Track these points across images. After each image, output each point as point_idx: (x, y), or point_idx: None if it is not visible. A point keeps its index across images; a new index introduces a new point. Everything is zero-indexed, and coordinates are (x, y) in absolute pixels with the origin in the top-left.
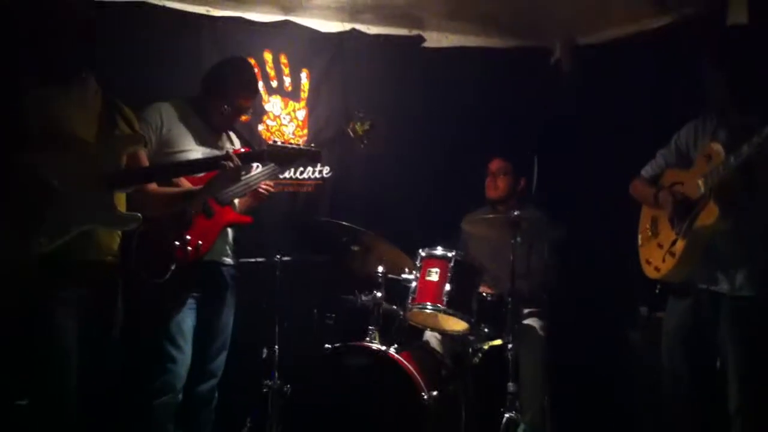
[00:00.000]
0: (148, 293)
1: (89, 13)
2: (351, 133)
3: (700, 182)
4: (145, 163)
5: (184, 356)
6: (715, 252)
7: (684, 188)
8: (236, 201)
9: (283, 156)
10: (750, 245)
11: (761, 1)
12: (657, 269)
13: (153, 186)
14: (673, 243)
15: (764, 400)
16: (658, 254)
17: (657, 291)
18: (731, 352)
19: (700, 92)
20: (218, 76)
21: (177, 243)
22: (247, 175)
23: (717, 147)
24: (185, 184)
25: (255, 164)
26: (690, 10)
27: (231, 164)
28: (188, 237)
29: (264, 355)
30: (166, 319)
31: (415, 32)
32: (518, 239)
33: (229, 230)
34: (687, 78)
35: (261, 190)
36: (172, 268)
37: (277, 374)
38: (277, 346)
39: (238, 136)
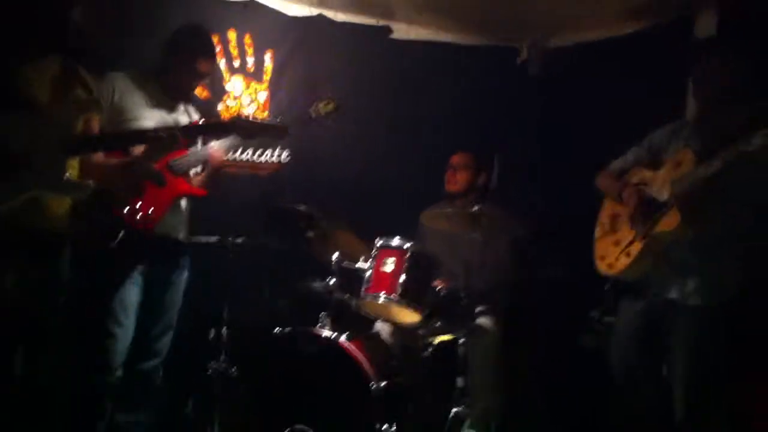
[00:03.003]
0: (93, 264)
1: None
2: (313, 114)
3: (666, 186)
4: (97, 131)
5: (125, 333)
6: (669, 258)
7: (649, 189)
8: (192, 174)
9: (249, 129)
10: (706, 255)
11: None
12: (610, 266)
13: (99, 155)
14: (630, 242)
15: (707, 411)
16: (614, 251)
17: (606, 288)
18: (678, 359)
19: (664, 99)
20: (176, 39)
21: (126, 210)
22: (204, 147)
23: (689, 154)
24: (138, 152)
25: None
26: (661, 18)
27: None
28: (138, 204)
29: (211, 337)
30: (108, 292)
31: (383, 22)
32: (476, 234)
33: (185, 206)
34: (653, 84)
35: (212, 156)
36: (122, 234)
37: (223, 356)
38: (225, 328)
39: (198, 110)
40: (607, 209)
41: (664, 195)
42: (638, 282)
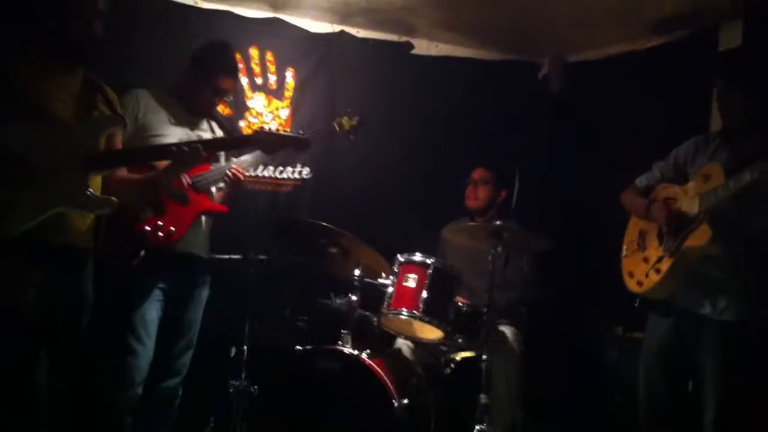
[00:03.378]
0: (114, 280)
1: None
2: (337, 127)
3: (695, 201)
4: (120, 147)
5: (146, 349)
6: (700, 274)
7: (677, 204)
8: (214, 190)
9: (269, 142)
10: (737, 270)
11: (755, 24)
12: (639, 283)
13: (122, 171)
14: (660, 259)
15: (739, 429)
16: (643, 269)
17: (635, 305)
18: (709, 375)
19: (687, 112)
20: (199, 56)
21: (149, 228)
22: (227, 163)
23: (717, 168)
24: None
25: (236, 155)
26: (684, 32)
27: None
28: (161, 222)
29: (232, 354)
30: (130, 309)
31: (404, 38)
32: (498, 250)
33: (205, 222)
34: (676, 98)
35: (230, 173)
36: (143, 253)
37: (244, 374)
38: (245, 346)
39: (221, 126)
40: (634, 227)
41: (693, 209)
42: (669, 298)
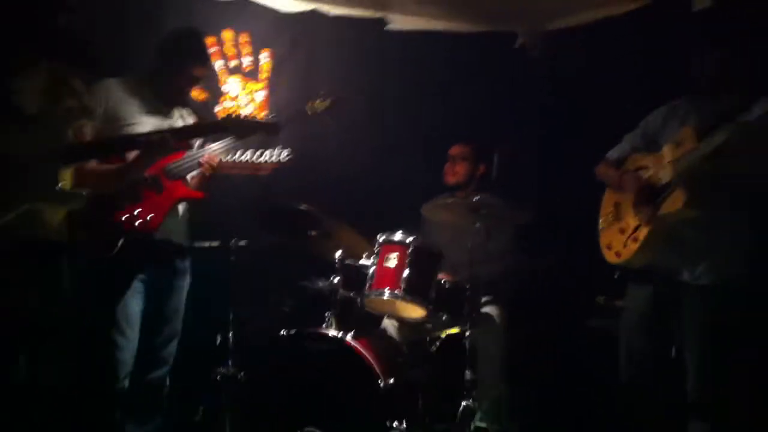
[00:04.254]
0: (94, 273)
1: None
2: (309, 111)
3: (667, 168)
4: (89, 138)
5: (129, 342)
6: (677, 239)
7: (649, 173)
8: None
9: (239, 128)
10: (713, 234)
11: None
12: (618, 254)
13: (92, 163)
14: (636, 228)
15: (722, 391)
16: (620, 239)
17: (616, 277)
18: (690, 341)
19: (668, 76)
20: (169, 44)
21: (125, 216)
22: (200, 150)
23: (688, 132)
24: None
25: (211, 141)
26: None
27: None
28: (137, 211)
29: (218, 342)
30: (111, 302)
31: (378, 14)
32: (477, 225)
33: (183, 210)
34: (655, 62)
35: (203, 161)
36: (120, 242)
37: (230, 361)
38: (231, 333)
39: (194, 113)
40: (609, 199)
41: (666, 177)
42: (647, 266)
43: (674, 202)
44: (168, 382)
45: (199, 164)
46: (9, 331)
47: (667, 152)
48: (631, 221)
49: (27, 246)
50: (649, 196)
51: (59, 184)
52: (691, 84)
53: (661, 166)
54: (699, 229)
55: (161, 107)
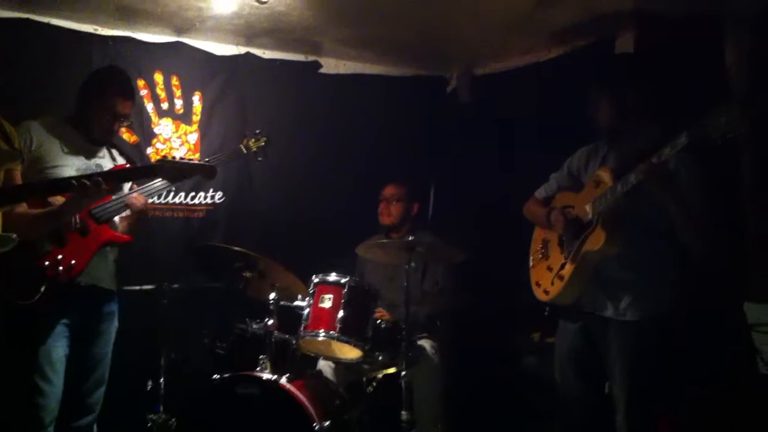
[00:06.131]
0: (17, 319)
1: None
2: (244, 150)
3: (587, 207)
4: (20, 182)
5: (54, 388)
6: (601, 276)
7: (574, 211)
8: (117, 220)
9: (174, 171)
10: (635, 270)
11: (646, 32)
12: (546, 292)
13: (22, 206)
14: (562, 266)
15: (647, 426)
16: (548, 277)
17: (545, 313)
18: (616, 376)
19: (591, 118)
20: (93, 82)
21: (48, 262)
22: (129, 192)
23: (605, 173)
24: (59, 201)
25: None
26: (582, 41)
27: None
28: (60, 256)
29: (148, 387)
30: (34, 347)
31: (311, 58)
32: (412, 264)
33: (111, 253)
34: (578, 105)
35: (129, 201)
36: (42, 289)
37: (162, 407)
38: (162, 378)
39: (122, 153)
40: (538, 237)
41: (588, 215)
42: (573, 303)
43: (596, 241)
44: (95, 430)
45: (126, 206)
46: None
47: (587, 191)
48: (558, 259)
49: None
50: (574, 233)
51: None
52: (609, 125)
53: (583, 205)
54: (620, 266)
55: (87, 147)
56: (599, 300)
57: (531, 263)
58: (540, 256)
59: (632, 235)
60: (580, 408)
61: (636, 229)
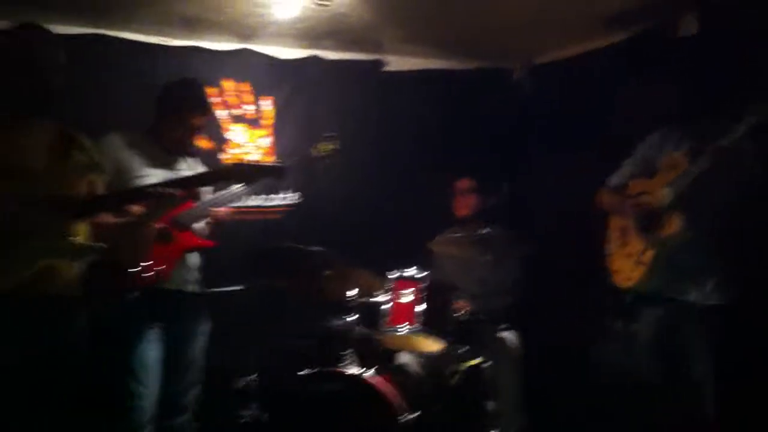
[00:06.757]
0: (109, 325)
1: (49, 49)
2: (314, 153)
3: (664, 192)
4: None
5: (149, 391)
6: (682, 261)
7: (650, 198)
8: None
9: (246, 173)
10: (716, 253)
11: (710, 12)
12: (628, 278)
13: (105, 216)
14: (643, 252)
15: (736, 407)
16: (628, 264)
17: (627, 301)
18: (702, 360)
19: (656, 103)
20: (166, 95)
21: (136, 269)
22: (210, 198)
23: (680, 157)
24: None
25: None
26: (642, 26)
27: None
28: (147, 263)
29: (241, 385)
30: (127, 353)
31: (374, 57)
32: (488, 257)
33: (195, 259)
34: (642, 90)
35: (213, 212)
36: (135, 294)
37: (254, 403)
38: (255, 375)
39: (201, 162)
40: (615, 226)
41: (664, 200)
42: (657, 289)
43: (673, 225)
44: (192, 428)
45: (210, 212)
46: (21, 389)
47: (662, 176)
48: (637, 246)
49: (42, 302)
50: (651, 219)
51: (73, 239)
52: (678, 109)
53: (659, 190)
54: (700, 249)
55: (167, 158)
56: (682, 284)
57: (608, 251)
58: (618, 243)
59: (710, 218)
60: (662, 394)
61: (713, 211)
